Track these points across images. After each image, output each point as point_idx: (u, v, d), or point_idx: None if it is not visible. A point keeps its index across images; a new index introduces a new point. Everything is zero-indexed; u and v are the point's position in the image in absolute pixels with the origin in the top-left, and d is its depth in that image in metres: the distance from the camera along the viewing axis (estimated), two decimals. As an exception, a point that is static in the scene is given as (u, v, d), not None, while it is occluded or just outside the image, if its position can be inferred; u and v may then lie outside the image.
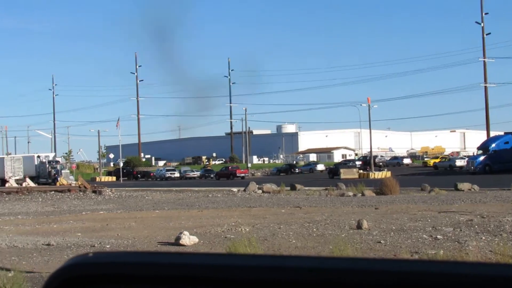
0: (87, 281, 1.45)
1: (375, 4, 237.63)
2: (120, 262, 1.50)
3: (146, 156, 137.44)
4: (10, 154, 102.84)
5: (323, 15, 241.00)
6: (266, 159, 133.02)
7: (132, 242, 15.85)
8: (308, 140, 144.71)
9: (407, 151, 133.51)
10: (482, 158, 67.66)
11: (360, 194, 36.11)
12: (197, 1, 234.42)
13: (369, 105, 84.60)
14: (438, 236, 15.91)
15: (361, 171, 77.03)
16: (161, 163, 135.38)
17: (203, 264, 1.47)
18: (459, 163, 79.12)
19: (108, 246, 14.97)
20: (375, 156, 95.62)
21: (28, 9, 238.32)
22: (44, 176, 64.47)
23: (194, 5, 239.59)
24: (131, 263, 1.50)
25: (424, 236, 16.16)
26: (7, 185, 53.84)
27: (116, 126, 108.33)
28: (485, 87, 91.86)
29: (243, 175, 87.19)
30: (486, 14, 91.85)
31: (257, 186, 45.15)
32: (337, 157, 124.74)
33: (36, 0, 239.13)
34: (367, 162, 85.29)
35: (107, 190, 37.21)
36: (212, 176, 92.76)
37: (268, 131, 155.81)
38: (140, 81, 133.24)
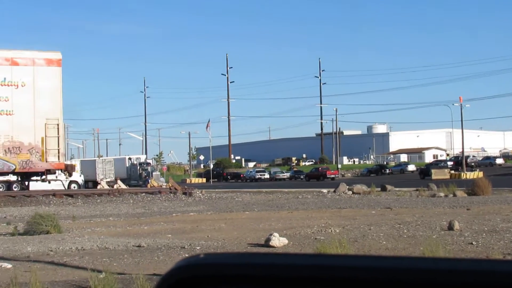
0: (199, 282, 1.47)
1: (470, 1, 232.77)
2: (231, 264, 1.52)
3: (236, 158, 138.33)
4: (101, 156, 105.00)
5: (416, 12, 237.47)
6: (356, 159, 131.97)
7: (222, 244, 15.88)
8: (399, 141, 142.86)
9: (500, 151, 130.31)
10: None
11: (452, 195, 35.40)
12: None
13: (461, 104, 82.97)
14: (534, 238, 15.40)
15: (453, 171, 75.67)
16: (251, 164, 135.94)
17: (312, 265, 1.47)
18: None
19: (198, 248, 15.04)
20: (467, 156, 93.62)
21: (121, 12, 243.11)
22: (135, 178, 65.49)
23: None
24: (242, 264, 1.51)
25: (519, 237, 15.67)
26: (98, 187, 54.93)
27: (207, 128, 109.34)
28: None
29: (333, 176, 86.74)
30: None
31: (347, 187, 44.79)
32: (428, 158, 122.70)
33: (128, 4, 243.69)
34: (459, 162, 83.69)
35: (197, 192, 37.55)
36: (302, 177, 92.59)
37: (358, 132, 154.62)
38: (231, 82, 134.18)
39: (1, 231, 18.24)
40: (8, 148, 29.58)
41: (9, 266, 12.06)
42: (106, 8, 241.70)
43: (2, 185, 42.40)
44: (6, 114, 29.65)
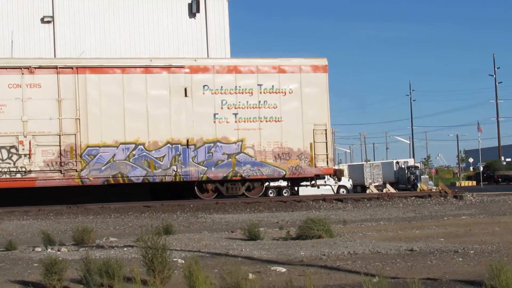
0: None
1: None
2: None
3: (507, 160, 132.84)
4: (369, 160, 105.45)
5: None
6: None
7: (496, 248, 15.09)
8: None
9: None
10: None
11: None
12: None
13: None
14: None
15: None
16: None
17: None
18: None
19: (472, 252, 14.39)
20: None
21: (384, 18, 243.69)
22: (403, 181, 64.98)
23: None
24: None
25: None
26: (367, 191, 55.07)
27: (478, 130, 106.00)
28: None
29: None
30: None
31: None
32: None
33: (392, 10, 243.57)
34: None
35: (468, 195, 36.34)
36: None
37: None
38: (499, 83, 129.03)
39: (274, 235, 18.68)
40: (278, 155, 30.38)
41: (284, 270, 12.22)
42: (367, 11, 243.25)
43: (272, 190, 43.90)
44: (275, 121, 30.49)
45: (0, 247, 16.61)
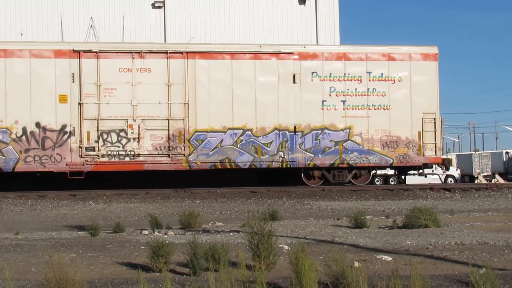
0: None
1: None
2: None
3: None
4: (477, 150, 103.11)
5: None
6: None
7: None
8: None
9: None
10: None
11: None
12: None
13: None
14: None
15: None
16: None
17: None
18: None
19: None
20: None
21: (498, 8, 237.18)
22: (512, 172, 63.37)
23: None
24: None
25: None
26: (476, 181, 53.93)
27: None
28: None
29: None
30: None
31: None
32: None
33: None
34: None
35: None
36: None
37: None
38: None
39: (380, 224, 18.48)
40: (386, 143, 30.04)
41: (389, 259, 12.06)
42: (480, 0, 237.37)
43: (379, 178, 43.48)
44: (383, 109, 30.14)
45: (108, 229, 17.01)
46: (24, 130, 27.50)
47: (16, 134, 27.44)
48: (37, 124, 27.59)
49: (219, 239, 14.16)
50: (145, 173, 29.23)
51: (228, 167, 29.15)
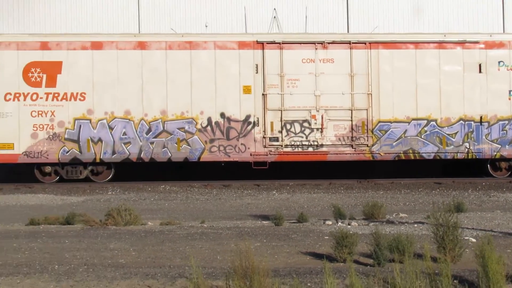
0: None
1: None
2: None
3: None
4: None
5: None
6: None
7: None
8: None
9: None
10: None
11: None
12: None
13: None
14: None
15: None
16: None
17: None
18: None
19: None
20: None
21: None
22: None
23: None
24: None
25: None
26: None
27: None
28: None
29: None
30: None
31: None
32: None
33: None
34: None
35: None
36: None
37: None
38: None
39: None
40: None
41: None
42: None
43: None
44: None
45: (291, 219, 17.19)
46: (209, 120, 28.25)
47: (201, 124, 28.22)
48: (222, 115, 28.28)
49: (403, 230, 13.94)
50: (319, 164, 29.29)
51: (412, 157, 28.69)
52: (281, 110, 28.35)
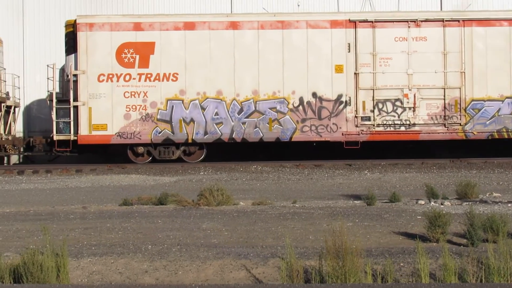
0: None
1: None
2: None
3: None
4: None
5: None
6: None
7: None
8: None
9: None
10: None
11: None
12: None
13: None
14: None
15: None
16: None
17: None
18: None
19: None
20: None
21: None
22: None
23: None
24: None
25: None
26: None
27: None
28: None
29: None
30: None
31: None
32: None
33: None
34: None
35: None
36: None
37: None
38: None
39: None
40: None
41: None
42: None
43: None
44: None
45: (383, 198, 17.14)
46: (301, 100, 28.31)
47: (293, 104, 28.31)
48: (314, 94, 28.31)
49: (497, 210, 13.76)
50: (410, 143, 29.04)
51: (506, 137, 28.16)
52: (373, 89, 28.20)
